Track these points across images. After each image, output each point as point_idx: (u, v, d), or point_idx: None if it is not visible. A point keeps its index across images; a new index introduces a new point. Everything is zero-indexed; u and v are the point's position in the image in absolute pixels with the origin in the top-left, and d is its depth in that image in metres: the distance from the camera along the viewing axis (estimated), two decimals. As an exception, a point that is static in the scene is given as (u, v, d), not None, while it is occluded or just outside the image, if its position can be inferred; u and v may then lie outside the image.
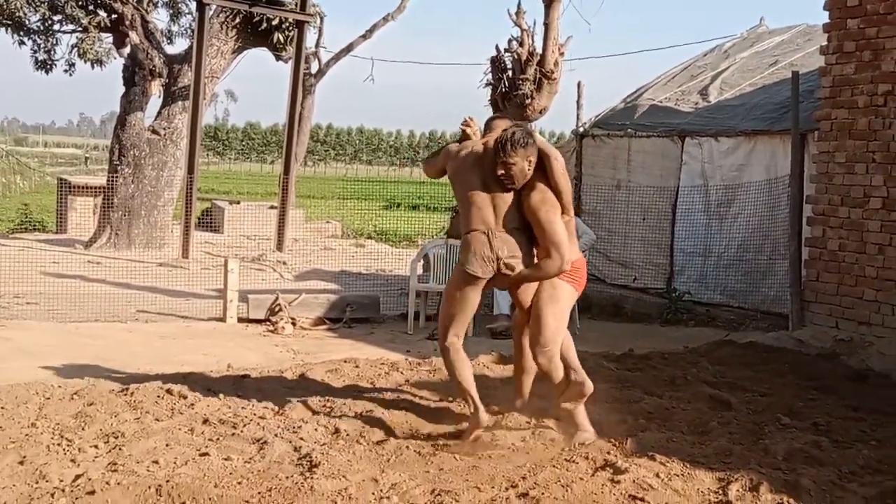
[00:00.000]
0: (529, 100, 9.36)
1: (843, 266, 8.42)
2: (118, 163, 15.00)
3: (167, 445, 4.92)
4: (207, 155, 63.06)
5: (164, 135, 15.19)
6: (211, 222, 18.72)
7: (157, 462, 4.63)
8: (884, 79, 8.15)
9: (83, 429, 5.19)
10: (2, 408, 5.52)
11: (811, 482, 4.62)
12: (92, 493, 4.12)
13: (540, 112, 9.56)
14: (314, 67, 23.38)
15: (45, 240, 15.93)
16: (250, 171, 57.99)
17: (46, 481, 4.34)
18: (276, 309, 9.35)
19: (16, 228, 17.91)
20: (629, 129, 11.81)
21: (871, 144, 8.24)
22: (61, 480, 4.36)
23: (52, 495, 4.12)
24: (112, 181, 15.04)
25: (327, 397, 5.95)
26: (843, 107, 8.52)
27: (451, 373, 5.33)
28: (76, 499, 4.06)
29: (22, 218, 18.50)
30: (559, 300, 5.29)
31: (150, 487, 4.17)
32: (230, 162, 67.57)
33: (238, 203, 20.85)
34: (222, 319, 9.36)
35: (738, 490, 4.52)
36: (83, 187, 17.53)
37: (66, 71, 17.81)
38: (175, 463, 4.64)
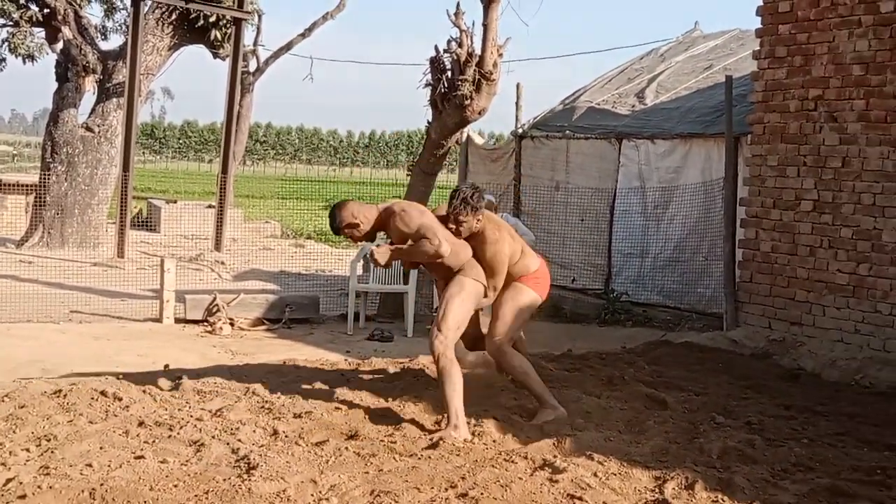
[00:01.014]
0: (468, 100, 9.37)
1: (776, 267, 8.59)
2: (51, 160, 14.72)
3: (101, 448, 4.83)
4: (144, 153, 62.16)
5: (99, 132, 14.93)
6: (147, 221, 18.46)
7: (90, 465, 4.54)
8: (814, 83, 8.33)
9: (14, 432, 5.08)
10: (-71, 411, 5.38)
11: (745, 480, 4.70)
12: (23, 497, 4.03)
13: (479, 113, 9.58)
14: (252, 65, 23.18)
15: (-26, 239, 15.56)
16: (188, 169, 57.30)
17: (-24, 486, 4.24)
18: (214, 309, 9.25)
19: (-57, 227, 17.46)
20: (567, 131, 11.91)
21: (803, 148, 8.41)
22: (-9, 485, 4.26)
23: (-18, 500, 4.03)
24: (45, 179, 14.74)
25: (266, 399, 5.91)
26: (776, 111, 8.69)
27: (451, 385, 5.43)
28: (7, 503, 3.97)
29: (-50, 216, 18.06)
30: (520, 302, 5.81)
31: (83, 491, 4.10)
32: (167, 160, 66.69)
33: (175, 202, 20.58)
34: (158, 320, 9.23)
35: (673, 488, 4.58)
36: (15, 185, 17.16)
37: (-4, 65, 17.46)
38: (109, 466, 4.56)
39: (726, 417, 5.98)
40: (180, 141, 70.30)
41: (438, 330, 5.53)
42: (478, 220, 5.69)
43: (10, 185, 17.21)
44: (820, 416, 6.22)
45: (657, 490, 4.58)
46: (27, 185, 16.75)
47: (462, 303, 5.62)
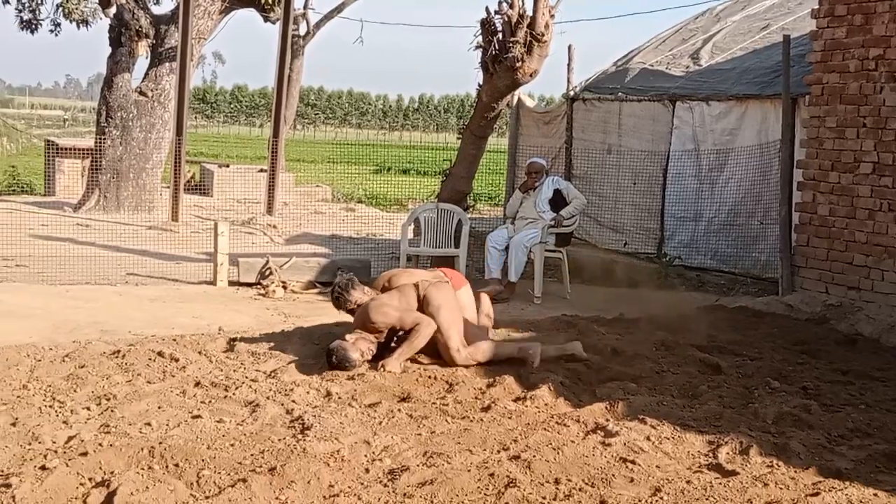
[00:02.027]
0: (520, 63, 9.27)
1: (834, 231, 8.44)
2: (106, 125, 14.87)
3: (159, 408, 4.93)
4: (196, 118, 62.63)
5: (152, 96, 15.06)
6: (200, 185, 18.63)
7: (149, 424, 4.64)
8: (875, 43, 8.12)
9: (75, 391, 5.20)
10: (-8, 370, 5.52)
11: (800, 445, 4.66)
12: (85, 454, 4.12)
13: (530, 75, 9.47)
14: (303, 29, 23.18)
15: (33, 202, 15.84)
16: (239, 134, 57.65)
17: (39, 443, 4.35)
18: (267, 272, 9.32)
19: (3, 191, 17.78)
20: (620, 93, 11.77)
21: (862, 109, 8.23)
22: (54, 442, 4.36)
23: (45, 456, 4.13)
24: (100, 143, 14.91)
25: (319, 360, 5.96)
26: (835, 71, 8.49)
27: (492, 353, 6.21)
28: (69, 460, 4.07)
29: (10, 180, 18.38)
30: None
31: (142, 449, 4.18)
32: (218, 125, 67.17)
33: (227, 166, 20.73)
34: (212, 283, 9.33)
35: (727, 453, 4.56)
36: (71, 149, 17.39)
37: (51, 31, 17.70)
38: (167, 425, 4.65)
39: (781, 382, 5.91)
40: (231, 105, 70.75)
41: (454, 351, 6.05)
42: (363, 291, 6.36)
43: (66, 149, 17.44)
44: (878, 381, 6.14)
45: (711, 454, 4.56)
46: (83, 149, 16.95)
47: (448, 320, 6.12)
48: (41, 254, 10.20)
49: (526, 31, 9.26)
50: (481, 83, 9.89)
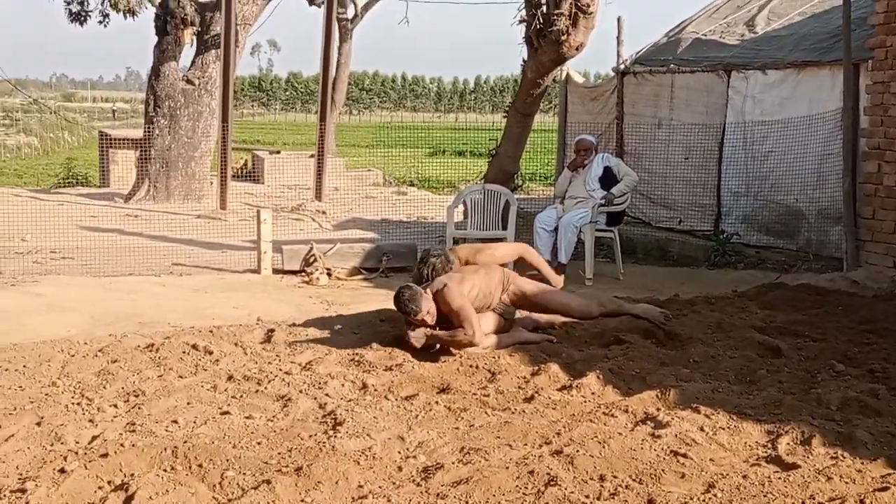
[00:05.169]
0: (565, 36, 8.93)
1: (901, 202, 8.00)
2: (154, 114, 14.85)
3: (188, 404, 4.75)
4: (252, 106, 63.02)
5: (199, 84, 14.99)
6: (252, 173, 18.58)
7: (176, 422, 4.47)
8: (944, 1, 7.65)
9: (104, 387, 5.06)
10: (24, 366, 5.41)
11: (867, 434, 4.32)
12: (105, 455, 3.95)
13: (576, 48, 9.13)
14: (350, 12, 22.99)
15: (86, 194, 15.91)
16: (295, 121, 57.80)
17: (62, 443, 4.20)
18: (311, 259, 9.14)
19: (59, 183, 17.90)
20: (672, 65, 11.35)
21: (930, 72, 7.77)
22: (77, 442, 4.21)
23: (65, 458, 3.96)
24: (148, 133, 14.90)
25: (357, 351, 5.75)
26: (900, 33, 8.04)
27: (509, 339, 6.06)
28: (89, 462, 3.90)
29: (66, 173, 18.51)
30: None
31: (165, 449, 4.00)
32: (275, 112, 67.46)
33: (278, 153, 20.67)
34: (256, 271, 9.18)
35: (788, 443, 4.25)
36: (123, 140, 17.44)
37: (100, 22, 17.73)
38: (194, 423, 4.47)
39: (847, 365, 5.54)
40: (287, 93, 70.99)
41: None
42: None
43: (118, 140, 17.49)
44: (951, 362, 5.74)
45: (770, 445, 4.25)
46: (135, 140, 16.97)
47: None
48: (88, 245, 10.17)
49: (571, 3, 8.92)
50: (526, 59, 9.59)
